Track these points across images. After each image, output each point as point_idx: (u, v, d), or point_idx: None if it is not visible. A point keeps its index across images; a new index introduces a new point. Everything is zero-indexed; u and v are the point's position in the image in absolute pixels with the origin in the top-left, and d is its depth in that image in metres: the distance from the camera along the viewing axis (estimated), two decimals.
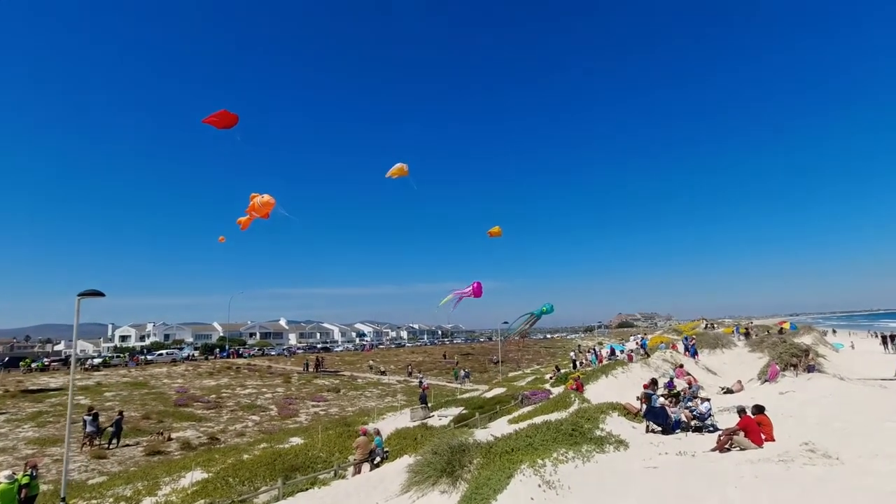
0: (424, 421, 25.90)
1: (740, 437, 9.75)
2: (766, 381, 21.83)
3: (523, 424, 18.31)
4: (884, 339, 42.75)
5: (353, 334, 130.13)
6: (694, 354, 32.68)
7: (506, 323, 51.47)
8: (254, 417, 31.33)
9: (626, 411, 16.59)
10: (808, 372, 21.60)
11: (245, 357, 70.50)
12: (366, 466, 15.86)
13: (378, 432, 17.83)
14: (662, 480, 7.82)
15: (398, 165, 20.60)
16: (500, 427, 18.88)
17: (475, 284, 31.68)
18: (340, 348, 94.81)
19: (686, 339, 36.50)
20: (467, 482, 9.66)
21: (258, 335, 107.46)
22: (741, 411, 10.36)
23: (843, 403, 15.49)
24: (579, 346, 63.69)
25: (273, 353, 79.29)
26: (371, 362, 60.23)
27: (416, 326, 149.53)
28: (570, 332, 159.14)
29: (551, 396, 23.60)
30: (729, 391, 21.87)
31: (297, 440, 21.74)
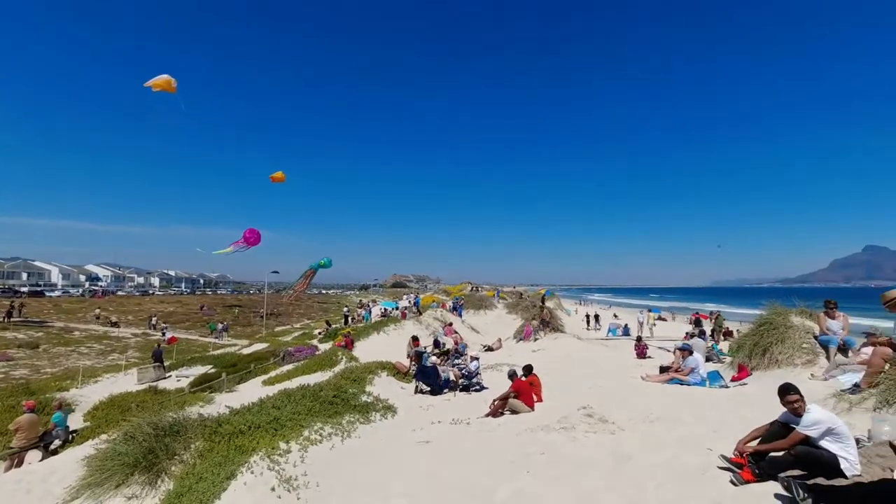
0: (156, 383, 20.82)
1: (513, 400, 9.02)
2: (521, 339, 23.66)
3: (280, 386, 15.62)
4: (587, 317, 47.89)
5: (82, 278, 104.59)
6: (461, 314, 34.51)
7: (276, 272, 46.96)
8: None
9: (396, 370, 15.37)
10: (555, 332, 24.16)
11: None
12: (34, 455, 11.03)
13: (61, 405, 12.73)
14: (438, 462, 6.21)
15: (164, 77, 15.44)
16: (252, 390, 15.77)
17: (248, 233, 27.90)
18: (58, 293, 74.86)
19: (456, 299, 38.51)
20: (174, 480, 6.62)
21: None
22: (512, 375, 9.71)
23: (584, 359, 17.15)
24: (361, 301, 62.53)
25: None
26: (98, 311, 48.35)
27: (171, 273, 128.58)
28: (345, 290, 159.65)
29: (318, 353, 21.33)
30: (490, 349, 23.02)
31: None
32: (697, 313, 30.53)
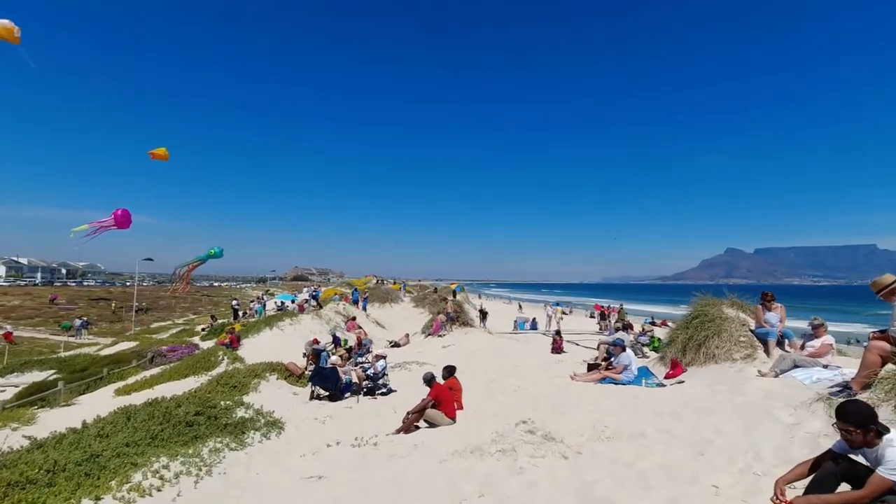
0: None
1: (432, 411, 7.33)
2: (429, 334, 22.14)
3: (141, 396, 12.58)
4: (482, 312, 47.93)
5: None
6: (364, 308, 32.29)
7: (149, 259, 41.29)
8: None
9: (289, 373, 13.05)
10: (465, 326, 22.99)
11: None
12: None
13: None
14: None
15: (3, 22, 11.16)
16: (98, 402, 12.47)
17: (118, 211, 23.58)
18: None
19: (356, 291, 36.11)
20: None
21: None
22: (430, 380, 7.98)
23: (500, 356, 16.01)
24: (268, 292, 56.60)
25: None
26: None
27: (23, 261, 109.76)
28: (241, 283, 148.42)
29: (196, 353, 18.11)
30: (396, 345, 21.28)
31: None
32: (604, 307, 31.27)
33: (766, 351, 8.16)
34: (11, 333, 29.58)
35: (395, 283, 55.53)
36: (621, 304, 30.81)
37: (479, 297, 78.58)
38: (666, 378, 9.24)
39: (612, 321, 26.46)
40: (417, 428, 7.37)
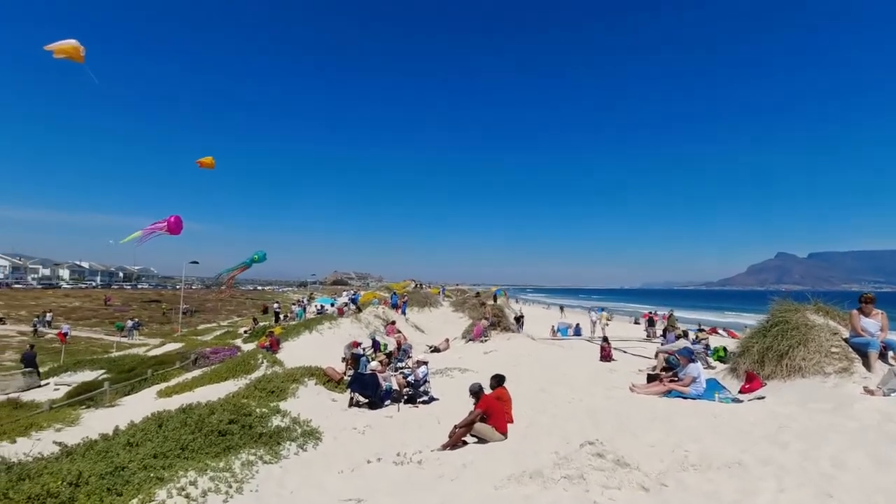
0: (23, 393, 16.81)
1: (481, 425, 6.65)
2: (470, 339, 21.44)
3: (181, 399, 12.47)
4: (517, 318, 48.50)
5: None
6: (404, 312, 31.91)
7: (195, 262, 42.39)
8: None
9: (327, 378, 12.64)
10: (507, 331, 22.18)
11: None
12: None
13: None
14: None
15: (70, 42, 11.70)
16: (140, 404, 12.48)
17: (171, 218, 24.52)
18: None
19: (395, 295, 35.80)
20: None
21: None
22: (478, 392, 7.26)
23: (545, 363, 15.16)
24: (312, 296, 57.14)
25: None
26: None
27: (84, 265, 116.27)
28: (283, 286, 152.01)
29: (237, 355, 18.10)
30: (436, 349, 20.68)
31: None
32: (650, 312, 29.69)
33: (867, 364, 7.05)
34: (65, 334, 30.80)
35: (433, 287, 55.11)
36: (671, 310, 29.15)
37: (517, 301, 77.35)
38: (741, 392, 8.22)
39: (661, 328, 25.01)
40: (465, 443, 6.70)
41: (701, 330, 22.41)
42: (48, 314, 41.22)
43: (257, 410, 7.55)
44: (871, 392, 6.10)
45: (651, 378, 9.71)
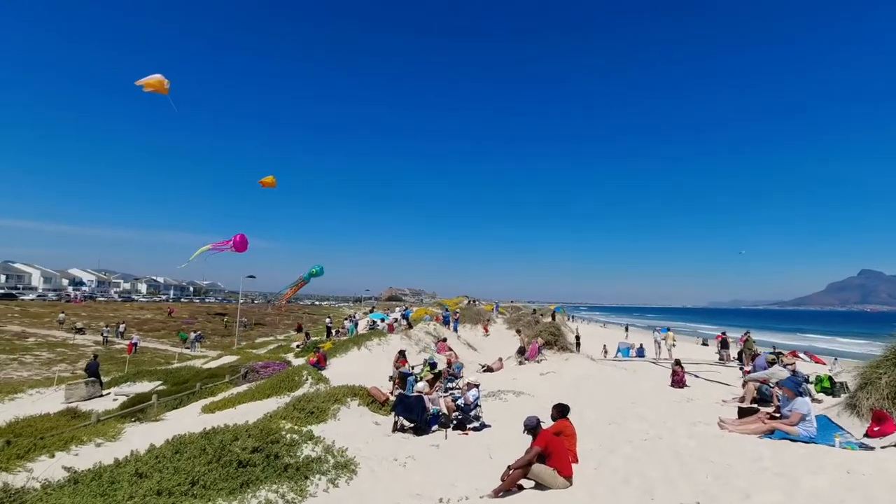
0: (84, 402, 17.22)
1: (540, 467, 5.53)
2: (525, 359, 20.11)
3: (223, 415, 12.14)
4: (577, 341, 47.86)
5: (65, 282, 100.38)
6: (455, 329, 30.94)
7: (252, 277, 43.56)
8: None
9: (371, 399, 11.85)
10: (564, 351, 20.68)
11: None
12: None
13: None
14: None
15: (156, 77, 15.13)
16: (184, 419, 12.21)
17: (237, 237, 25.84)
18: (31, 297, 70.81)
19: (447, 312, 34.91)
20: None
21: None
22: (535, 428, 6.05)
23: (610, 388, 13.67)
24: (371, 310, 57.57)
25: None
26: (62, 315, 44.54)
27: (160, 280, 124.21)
28: (339, 301, 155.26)
29: (284, 371, 17.80)
30: (489, 369, 19.50)
31: None
32: (724, 334, 26.99)
33: None
34: (134, 344, 32.24)
35: (487, 304, 53.84)
36: (747, 332, 26.34)
37: (571, 319, 74.31)
38: (868, 436, 6.59)
39: (737, 350, 22.51)
40: (521, 488, 5.60)
41: (779, 353, 19.85)
42: (121, 325, 43.58)
43: (287, 437, 6.79)
44: None
45: (743, 412, 8.14)
